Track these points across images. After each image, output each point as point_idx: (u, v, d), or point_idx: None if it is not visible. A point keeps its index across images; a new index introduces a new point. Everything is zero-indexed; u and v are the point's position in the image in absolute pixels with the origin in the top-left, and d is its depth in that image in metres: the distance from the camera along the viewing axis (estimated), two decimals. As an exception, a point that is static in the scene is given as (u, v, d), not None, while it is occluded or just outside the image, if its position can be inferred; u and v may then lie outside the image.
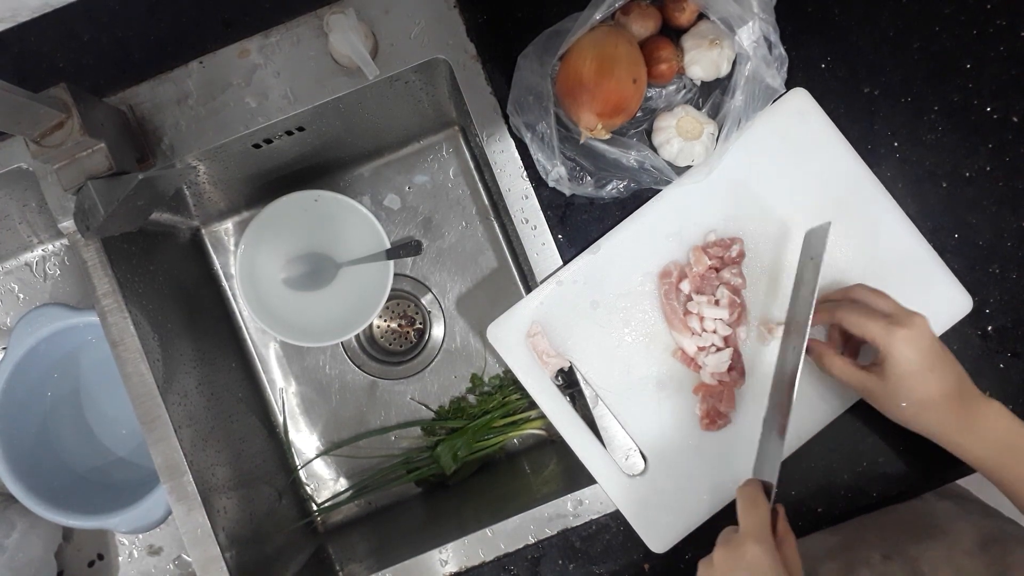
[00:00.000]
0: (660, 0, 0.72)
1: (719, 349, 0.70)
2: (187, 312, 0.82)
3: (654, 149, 0.71)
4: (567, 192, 0.72)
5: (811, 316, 0.62)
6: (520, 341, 0.72)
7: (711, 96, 0.72)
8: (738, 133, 0.68)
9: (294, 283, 0.88)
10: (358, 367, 0.92)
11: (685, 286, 0.71)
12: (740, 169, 0.72)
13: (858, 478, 0.71)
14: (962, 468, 0.71)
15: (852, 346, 0.68)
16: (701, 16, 0.71)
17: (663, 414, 0.71)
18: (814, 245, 0.66)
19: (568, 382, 0.74)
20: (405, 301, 0.93)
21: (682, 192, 0.72)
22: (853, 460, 0.72)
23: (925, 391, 0.60)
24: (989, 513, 0.72)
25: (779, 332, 0.70)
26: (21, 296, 0.93)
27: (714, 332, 0.70)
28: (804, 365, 0.64)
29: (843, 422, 0.70)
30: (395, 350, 0.93)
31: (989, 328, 0.73)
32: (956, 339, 0.72)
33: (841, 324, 0.63)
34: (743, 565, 0.55)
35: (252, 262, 0.85)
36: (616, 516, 0.71)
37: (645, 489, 0.70)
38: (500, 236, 0.92)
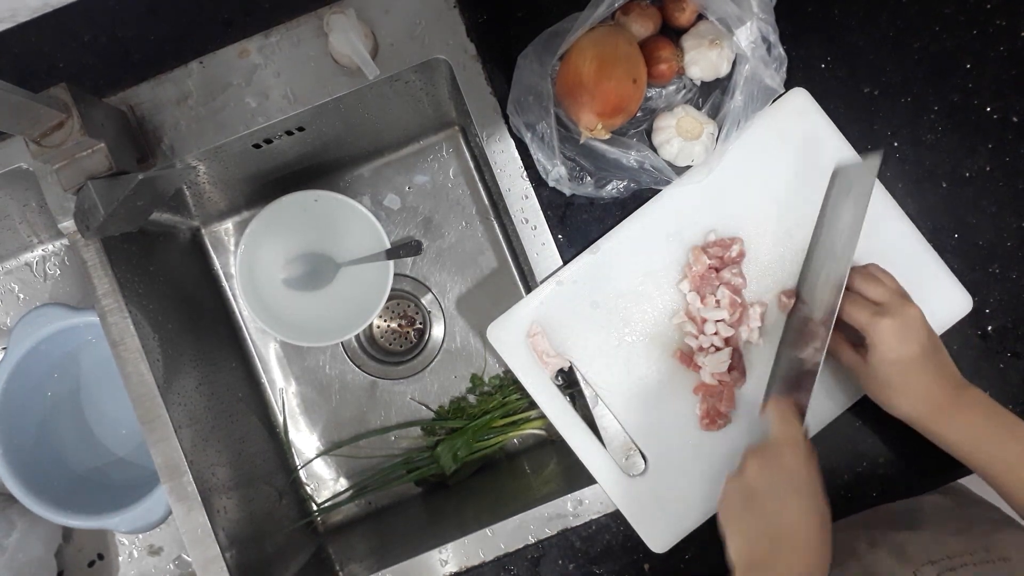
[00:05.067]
0: (660, 0, 0.72)
1: (718, 349, 0.70)
2: (187, 312, 0.82)
3: (654, 149, 0.71)
4: (567, 192, 0.72)
5: (849, 259, 0.62)
6: (520, 341, 0.72)
7: (711, 96, 0.72)
8: (738, 133, 0.68)
9: (294, 283, 0.88)
10: (358, 367, 0.92)
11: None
12: (740, 169, 0.72)
13: (858, 478, 0.71)
14: (963, 468, 0.71)
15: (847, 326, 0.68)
16: (701, 16, 0.71)
17: (663, 414, 0.71)
18: (854, 182, 0.65)
19: (568, 382, 0.74)
20: (405, 301, 0.93)
21: (682, 192, 0.72)
22: (853, 460, 0.72)
23: (903, 380, 0.61)
24: (980, 503, 0.72)
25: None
26: (21, 296, 0.93)
27: (715, 334, 0.70)
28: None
29: (843, 422, 0.71)
30: (395, 350, 0.93)
31: (989, 328, 0.73)
32: (956, 339, 0.72)
33: None
34: (781, 470, 0.56)
35: (252, 262, 0.85)
36: (616, 516, 0.71)
37: (645, 489, 0.70)
38: (500, 236, 0.92)
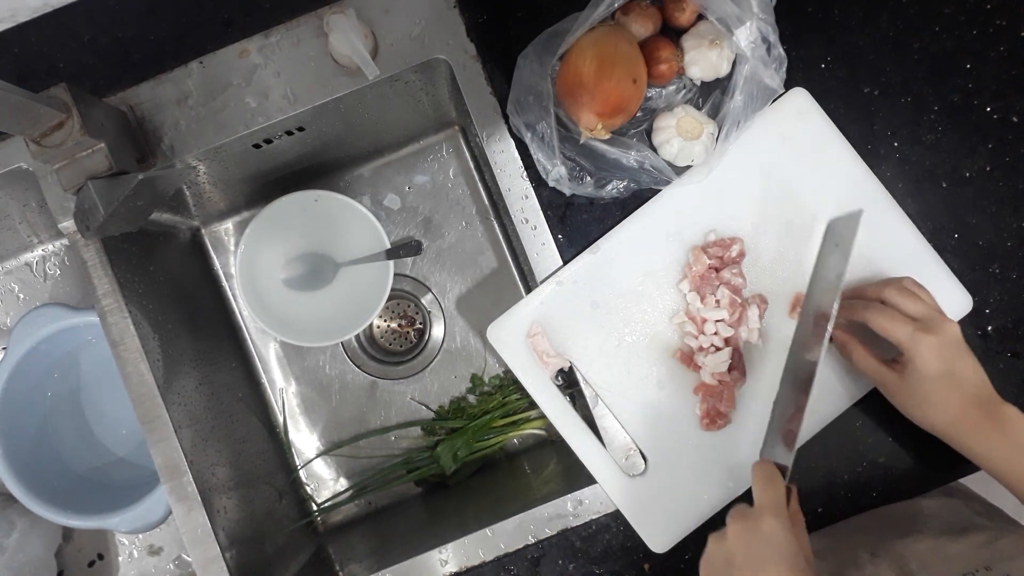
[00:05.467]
0: (660, 0, 0.72)
1: (718, 349, 0.70)
2: (187, 312, 0.82)
3: (654, 149, 0.71)
4: (567, 192, 0.72)
5: (836, 306, 0.61)
6: (520, 341, 0.72)
7: (711, 96, 0.72)
8: (738, 133, 0.68)
9: (294, 283, 0.88)
10: (358, 367, 0.92)
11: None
12: (740, 169, 0.72)
13: (858, 478, 0.71)
14: (963, 468, 0.71)
15: (874, 338, 0.67)
16: (701, 16, 0.71)
17: (663, 414, 0.71)
18: (841, 233, 0.66)
19: (568, 382, 0.74)
20: (405, 301, 0.93)
21: (682, 192, 0.72)
22: (853, 460, 0.72)
23: (943, 397, 0.61)
24: (981, 502, 0.72)
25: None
26: (21, 296, 0.93)
27: (715, 334, 0.70)
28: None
29: (843, 422, 0.70)
30: (395, 350, 0.93)
31: (989, 328, 0.73)
32: (956, 339, 0.72)
33: (867, 324, 0.63)
34: (759, 537, 0.56)
35: (252, 262, 0.85)
36: (616, 516, 0.71)
37: (645, 489, 0.70)
38: (500, 236, 0.92)
